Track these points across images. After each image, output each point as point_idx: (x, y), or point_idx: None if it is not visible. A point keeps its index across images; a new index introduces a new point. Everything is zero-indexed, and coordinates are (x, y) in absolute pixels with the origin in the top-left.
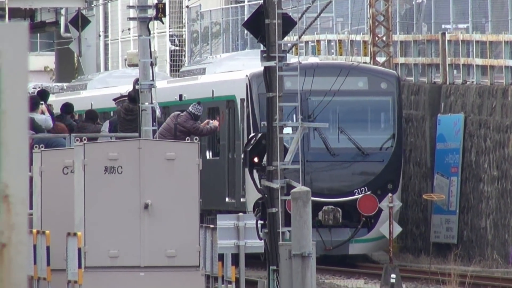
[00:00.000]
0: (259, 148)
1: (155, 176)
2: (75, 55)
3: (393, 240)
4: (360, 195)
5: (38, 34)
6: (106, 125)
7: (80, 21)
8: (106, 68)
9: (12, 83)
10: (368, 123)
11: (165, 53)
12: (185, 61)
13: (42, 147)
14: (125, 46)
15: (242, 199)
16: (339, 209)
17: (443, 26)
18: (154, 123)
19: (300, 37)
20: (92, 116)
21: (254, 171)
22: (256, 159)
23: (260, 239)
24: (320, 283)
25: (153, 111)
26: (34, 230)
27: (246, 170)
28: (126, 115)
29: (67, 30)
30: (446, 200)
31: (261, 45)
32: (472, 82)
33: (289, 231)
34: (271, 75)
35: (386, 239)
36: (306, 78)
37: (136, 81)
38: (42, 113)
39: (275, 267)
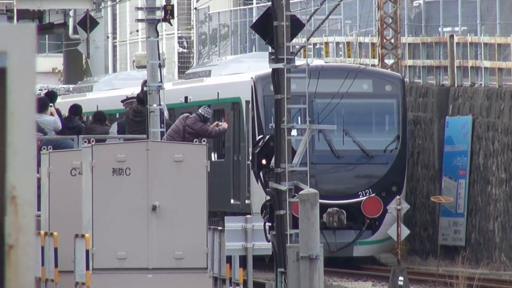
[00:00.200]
0: (267, 150)
1: (163, 177)
2: (83, 57)
3: (400, 242)
4: (365, 197)
5: (47, 36)
6: (114, 127)
7: (88, 23)
8: (114, 70)
9: (20, 85)
10: (372, 125)
11: (173, 55)
12: (193, 63)
13: (50, 148)
14: (134, 48)
15: (247, 201)
16: (344, 211)
17: (445, 29)
18: (162, 125)
19: (308, 39)
20: (100, 118)
21: (261, 172)
22: (264, 161)
23: (268, 241)
24: (328, 285)
25: (161, 112)
26: (42, 232)
27: (252, 172)
28: (135, 116)
29: (75, 31)
30: (454, 203)
31: (269, 47)
32: (480, 84)
33: (295, 233)
34: (279, 77)
35: (391, 241)
36: (311, 80)
37: (145, 83)
38: (51, 115)
39: (282, 269)
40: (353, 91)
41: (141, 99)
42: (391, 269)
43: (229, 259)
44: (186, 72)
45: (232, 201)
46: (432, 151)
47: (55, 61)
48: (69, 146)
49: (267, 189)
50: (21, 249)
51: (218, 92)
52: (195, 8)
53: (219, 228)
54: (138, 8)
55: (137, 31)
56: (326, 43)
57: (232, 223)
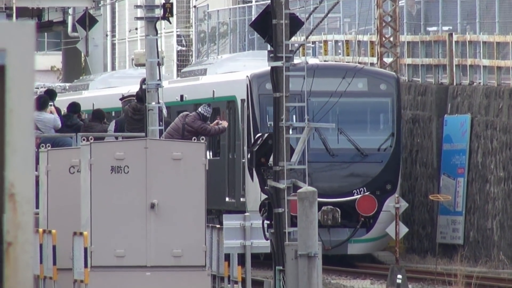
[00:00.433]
0: (265, 148)
1: (162, 175)
2: (82, 55)
3: (399, 240)
4: (359, 196)
5: (46, 34)
6: (112, 125)
7: (87, 21)
8: (113, 68)
9: (19, 82)
10: (367, 124)
11: (172, 53)
12: (192, 61)
13: (48, 146)
14: (132, 46)
15: (242, 199)
16: (338, 209)
17: (446, 28)
18: (161, 123)
19: (307, 38)
20: (99, 116)
21: (260, 170)
22: (262, 159)
23: (266, 239)
24: (326, 283)
25: (160, 110)
26: (41, 229)
27: (246, 170)
28: (134, 114)
29: (74, 29)
30: (452, 201)
31: (268, 45)
32: (479, 83)
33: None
34: (278, 75)
35: (385, 239)
36: (307, 79)
37: (143, 81)
38: (51, 113)
39: (281, 267)
40: (348, 90)
41: (140, 97)
42: (389, 268)
43: (227, 257)
44: (182, 71)
45: (227, 199)
46: (431, 149)
47: (54, 59)
48: (68, 144)
49: (265, 188)
50: (20, 247)
51: (213, 91)
52: (194, 6)
53: (217, 226)
54: (137, 6)
55: (136, 29)
56: (325, 41)
57: (230, 221)
